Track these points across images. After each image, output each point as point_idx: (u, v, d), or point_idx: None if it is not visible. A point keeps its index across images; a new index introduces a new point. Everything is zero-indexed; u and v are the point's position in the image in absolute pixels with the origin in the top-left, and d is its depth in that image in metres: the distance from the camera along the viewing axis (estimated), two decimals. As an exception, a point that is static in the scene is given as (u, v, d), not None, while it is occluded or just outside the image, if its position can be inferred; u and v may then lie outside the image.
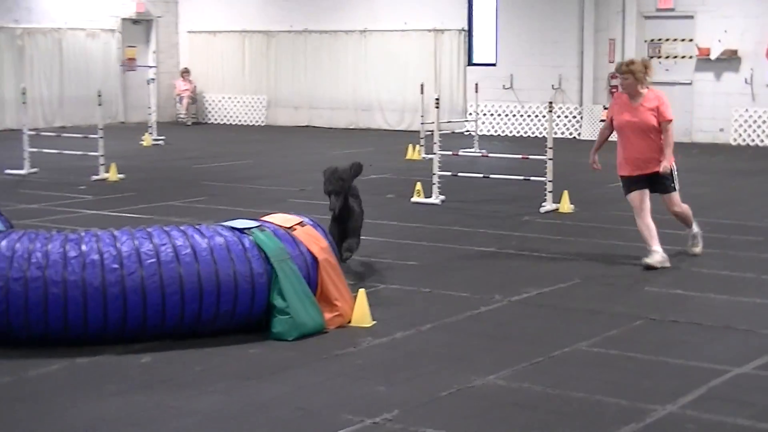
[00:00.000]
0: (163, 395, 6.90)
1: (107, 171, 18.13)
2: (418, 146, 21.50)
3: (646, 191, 11.01)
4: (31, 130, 19.67)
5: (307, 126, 30.13)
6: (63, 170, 18.96)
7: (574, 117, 26.64)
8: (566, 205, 14.56)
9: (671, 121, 10.87)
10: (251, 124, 31.11)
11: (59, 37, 29.65)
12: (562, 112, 26.21)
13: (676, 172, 11.05)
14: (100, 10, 30.47)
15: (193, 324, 7.98)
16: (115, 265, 7.76)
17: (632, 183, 11.02)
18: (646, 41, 25.76)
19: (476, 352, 7.92)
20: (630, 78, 10.88)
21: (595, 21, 26.21)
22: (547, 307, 9.37)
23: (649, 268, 10.71)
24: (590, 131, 26.05)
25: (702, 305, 9.42)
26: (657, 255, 10.78)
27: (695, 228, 11.41)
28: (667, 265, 10.77)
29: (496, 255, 11.63)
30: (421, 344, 8.14)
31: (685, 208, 11.25)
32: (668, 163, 10.87)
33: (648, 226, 10.92)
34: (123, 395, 6.91)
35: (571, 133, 26.47)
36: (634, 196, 11.01)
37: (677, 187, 11.08)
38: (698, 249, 11.43)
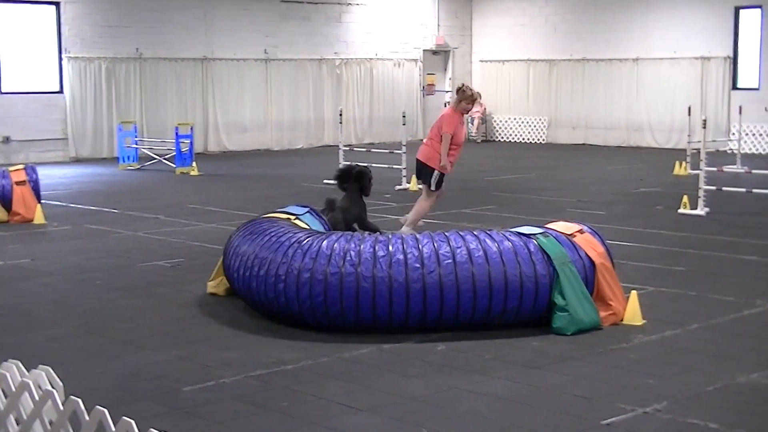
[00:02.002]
0: (456, 379, 6.91)
1: (408, 182, 18.41)
2: (684, 163, 20.90)
3: None
4: (345, 145, 20.18)
5: (583, 144, 29.75)
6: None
7: (833, 137, 25.31)
8: (826, 219, 13.83)
9: (445, 134, 12.36)
10: (534, 141, 30.96)
11: (370, 66, 30.39)
12: (821, 133, 24.96)
13: (435, 175, 12.45)
14: (405, 43, 31.11)
15: (483, 317, 7.96)
16: (417, 265, 7.83)
17: None
18: None
19: (740, 351, 7.58)
20: None
21: None
22: (807, 312, 8.89)
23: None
24: None
25: None
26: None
27: (405, 228, 12.37)
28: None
29: (758, 263, 11.13)
30: (689, 342, 7.85)
31: (418, 207, 12.66)
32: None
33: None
34: (422, 377, 6.96)
35: (829, 152, 25.18)
36: None
37: (432, 185, 12.50)
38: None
